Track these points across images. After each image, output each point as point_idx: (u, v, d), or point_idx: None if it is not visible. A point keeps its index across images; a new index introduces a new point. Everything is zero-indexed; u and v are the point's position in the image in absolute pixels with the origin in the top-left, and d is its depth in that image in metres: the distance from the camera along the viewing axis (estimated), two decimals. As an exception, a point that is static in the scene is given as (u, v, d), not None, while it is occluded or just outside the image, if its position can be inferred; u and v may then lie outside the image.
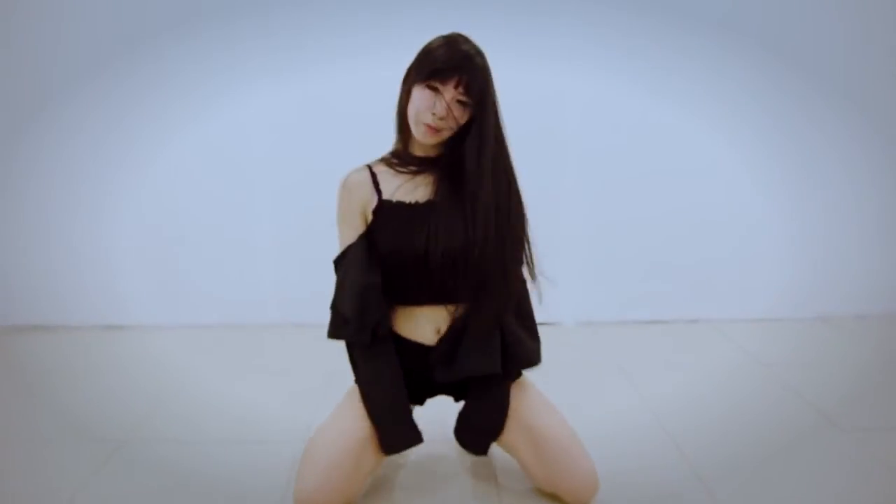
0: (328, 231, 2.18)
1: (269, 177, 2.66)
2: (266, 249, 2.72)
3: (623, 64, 2.59)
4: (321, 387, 2.12)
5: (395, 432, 1.42)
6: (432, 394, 1.57)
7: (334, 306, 1.47)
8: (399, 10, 2.47)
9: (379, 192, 1.42)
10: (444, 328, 1.44)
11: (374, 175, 1.44)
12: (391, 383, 1.42)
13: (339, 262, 1.48)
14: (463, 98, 1.31)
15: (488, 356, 1.40)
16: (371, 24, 2.51)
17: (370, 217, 1.43)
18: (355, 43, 2.52)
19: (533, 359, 1.49)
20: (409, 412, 1.46)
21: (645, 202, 2.72)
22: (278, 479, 1.59)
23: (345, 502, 1.38)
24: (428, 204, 1.40)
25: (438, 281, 1.36)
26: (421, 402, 1.59)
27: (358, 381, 1.47)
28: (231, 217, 2.69)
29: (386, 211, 1.40)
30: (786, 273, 2.80)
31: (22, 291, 2.71)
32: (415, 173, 1.43)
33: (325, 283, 2.62)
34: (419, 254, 1.35)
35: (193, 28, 2.51)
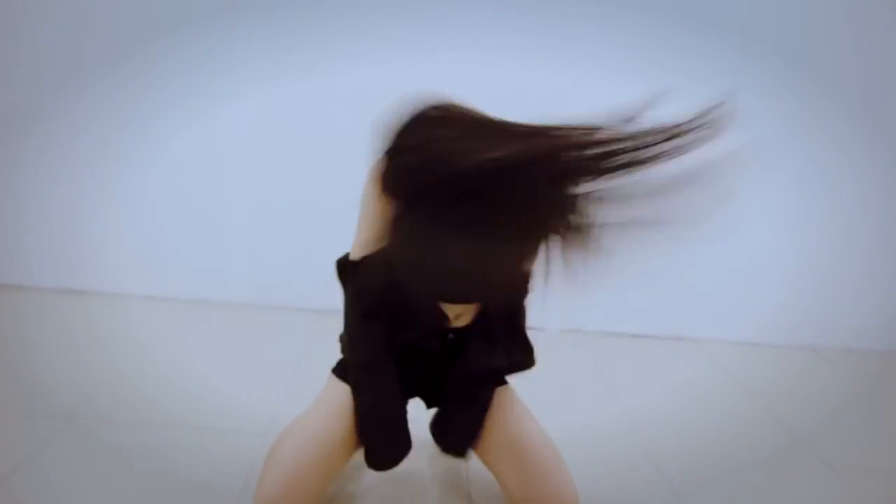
0: (305, 214, 2.07)
1: (249, 154, 2.54)
2: (241, 226, 2.60)
3: (622, 67, 2.50)
4: (289, 374, 2.01)
5: (389, 444, 1.29)
6: (418, 392, 1.45)
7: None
8: (402, 11, 2.37)
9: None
10: (463, 315, 1.32)
11: None
12: (394, 391, 1.30)
13: (347, 271, 1.30)
14: None
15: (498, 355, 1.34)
16: (377, 25, 2.40)
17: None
18: (359, 44, 2.41)
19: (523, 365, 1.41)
20: (405, 419, 1.33)
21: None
22: (237, 469, 1.49)
23: None
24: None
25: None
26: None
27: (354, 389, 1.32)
28: (208, 190, 2.56)
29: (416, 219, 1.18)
30: (778, 299, 2.75)
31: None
32: None
33: (299, 267, 2.56)
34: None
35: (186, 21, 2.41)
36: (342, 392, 1.32)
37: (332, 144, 2.42)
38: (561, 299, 2.67)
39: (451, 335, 1.34)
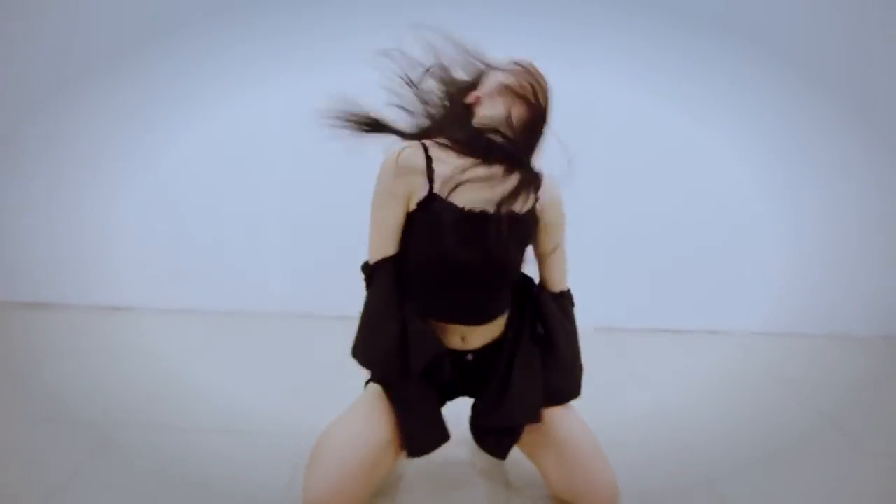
0: (337, 223, 2.11)
1: (279, 165, 2.59)
2: (275, 238, 2.66)
3: (638, 72, 2.52)
4: (325, 380, 2.05)
5: (425, 433, 1.32)
6: (452, 397, 1.49)
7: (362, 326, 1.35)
8: (407, 12, 2.38)
9: (431, 180, 1.25)
10: (468, 336, 1.36)
11: (429, 159, 1.26)
12: (421, 381, 1.33)
13: (368, 273, 1.36)
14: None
15: (531, 404, 1.35)
16: (385, 25, 2.44)
17: (413, 206, 1.27)
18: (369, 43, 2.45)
19: (571, 393, 1.43)
20: (440, 409, 1.38)
21: (664, 208, 2.65)
22: (279, 472, 1.52)
23: None
24: (484, 214, 1.24)
25: (471, 299, 1.30)
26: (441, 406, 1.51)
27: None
28: (240, 204, 2.63)
29: (433, 209, 1.23)
30: (809, 288, 2.72)
31: (23, 268, 2.66)
32: (481, 163, 1.25)
33: (333, 276, 2.59)
34: (459, 269, 1.25)
35: (204, 22, 2.47)
36: (383, 394, 1.35)
37: (363, 148, 2.46)
38: (593, 297, 2.68)
39: (469, 356, 1.38)
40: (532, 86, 1.27)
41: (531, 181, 1.28)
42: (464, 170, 1.23)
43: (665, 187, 2.63)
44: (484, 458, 1.64)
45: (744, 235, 2.69)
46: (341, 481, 1.21)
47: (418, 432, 1.31)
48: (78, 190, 2.59)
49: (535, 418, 1.35)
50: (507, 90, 1.27)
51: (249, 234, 2.65)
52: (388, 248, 1.31)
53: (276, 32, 2.47)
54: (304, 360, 2.25)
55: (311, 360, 2.24)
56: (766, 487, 1.56)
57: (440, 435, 1.34)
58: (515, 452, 1.46)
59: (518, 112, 1.28)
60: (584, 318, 2.65)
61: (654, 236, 2.67)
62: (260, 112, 2.54)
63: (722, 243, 2.69)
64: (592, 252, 2.64)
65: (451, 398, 1.49)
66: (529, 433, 1.40)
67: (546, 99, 1.31)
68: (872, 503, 1.53)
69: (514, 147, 1.27)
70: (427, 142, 1.30)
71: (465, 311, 1.32)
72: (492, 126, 1.27)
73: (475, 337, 1.37)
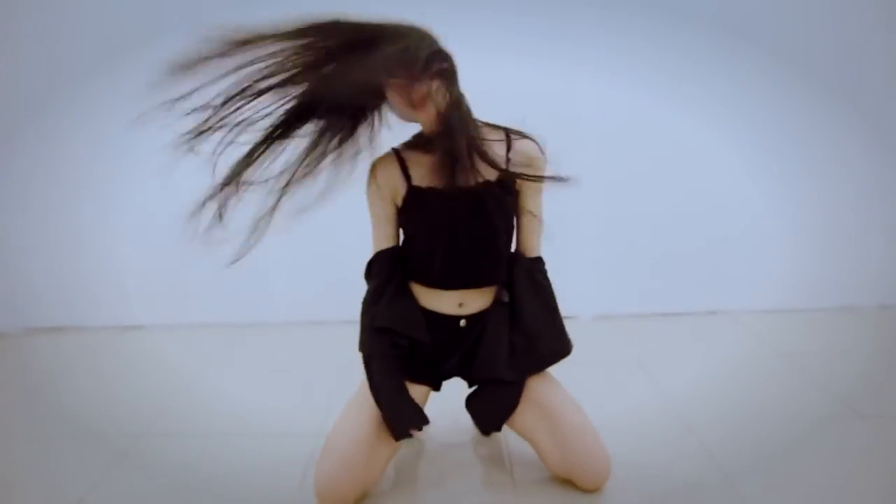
0: (340, 228, 2.16)
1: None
2: (276, 247, 2.70)
3: (632, 64, 2.54)
4: (334, 383, 2.10)
5: (402, 416, 1.43)
6: (449, 374, 1.56)
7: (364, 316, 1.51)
8: (406, 10, 2.44)
9: (408, 177, 1.43)
10: (466, 301, 1.48)
11: (402, 160, 1.44)
12: (394, 371, 1.45)
13: (370, 269, 1.54)
14: (415, 97, 1.28)
15: (496, 362, 1.47)
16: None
17: (400, 203, 1.45)
18: None
19: (558, 353, 1.52)
20: (409, 396, 1.47)
21: (658, 195, 2.68)
22: (293, 472, 1.59)
23: (362, 491, 1.41)
24: (452, 192, 1.37)
25: (465, 266, 1.43)
26: (437, 387, 1.58)
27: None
28: (238, 213, 2.67)
29: (416, 198, 1.42)
30: (807, 263, 2.75)
31: (32, 295, 2.72)
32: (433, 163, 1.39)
33: (336, 281, 2.64)
34: (450, 239, 1.39)
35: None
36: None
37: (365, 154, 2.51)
38: (590, 286, 2.72)
39: (462, 322, 1.49)
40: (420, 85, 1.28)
41: (456, 155, 1.30)
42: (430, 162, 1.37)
43: (655, 173, 2.66)
44: (485, 444, 1.70)
45: (738, 216, 2.71)
46: (342, 470, 1.35)
47: (397, 415, 1.41)
48: (75, 211, 2.65)
49: (499, 374, 1.45)
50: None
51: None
52: (384, 242, 1.50)
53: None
54: (311, 364, 2.31)
55: (317, 365, 2.29)
56: (777, 467, 1.58)
57: (417, 418, 1.44)
58: (515, 439, 1.52)
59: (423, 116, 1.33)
60: (583, 307, 2.73)
61: (647, 223, 2.70)
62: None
63: (716, 225, 2.72)
64: (587, 241, 2.69)
65: (447, 376, 1.56)
66: (522, 413, 1.48)
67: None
68: (889, 479, 1.54)
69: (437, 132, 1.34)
70: (397, 146, 1.47)
71: (457, 276, 1.45)
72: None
73: (471, 302, 1.49)
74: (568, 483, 1.49)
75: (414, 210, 1.43)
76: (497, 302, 1.50)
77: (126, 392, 2.10)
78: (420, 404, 1.49)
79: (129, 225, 2.67)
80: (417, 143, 1.45)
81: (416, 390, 1.51)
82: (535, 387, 1.49)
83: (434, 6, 2.38)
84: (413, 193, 1.42)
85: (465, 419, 1.66)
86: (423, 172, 1.41)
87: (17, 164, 2.61)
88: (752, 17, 2.52)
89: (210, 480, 1.58)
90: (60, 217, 2.66)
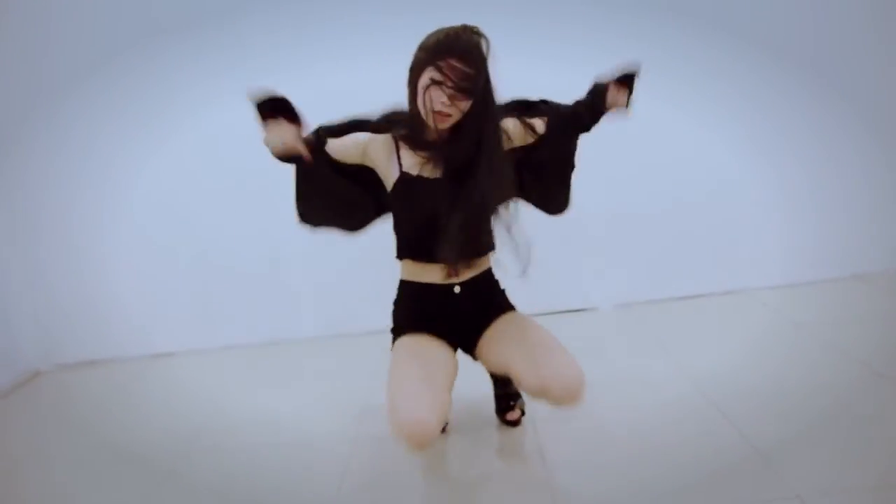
0: (357, 242, 2.17)
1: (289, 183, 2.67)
2: (295, 261, 2.75)
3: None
4: (365, 391, 2.14)
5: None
6: (453, 327, 1.62)
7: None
8: (405, 10, 2.45)
9: (400, 164, 1.55)
10: (459, 271, 1.60)
11: (398, 147, 1.57)
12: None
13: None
14: (465, 83, 1.39)
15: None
16: (378, 24, 2.51)
17: (389, 188, 1.56)
18: (371, 43, 2.51)
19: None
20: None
21: (663, 185, 2.71)
22: (331, 477, 1.64)
23: (444, 417, 1.39)
24: (440, 180, 1.52)
25: (454, 245, 1.50)
26: (446, 335, 1.63)
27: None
28: (255, 231, 2.72)
29: (406, 185, 1.54)
30: (817, 235, 2.77)
31: (61, 331, 2.77)
32: (427, 158, 1.53)
33: (358, 291, 2.66)
34: (434, 222, 1.48)
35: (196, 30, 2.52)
36: (410, 341, 1.58)
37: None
38: (608, 276, 2.75)
39: (456, 289, 1.60)
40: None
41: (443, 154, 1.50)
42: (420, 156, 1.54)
43: (658, 165, 2.70)
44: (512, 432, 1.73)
45: (743, 196, 2.74)
46: (419, 404, 1.34)
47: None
48: (94, 247, 2.71)
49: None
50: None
51: (271, 265, 2.75)
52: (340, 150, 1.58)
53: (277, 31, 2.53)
54: (340, 375, 2.35)
55: (346, 375, 2.34)
56: (808, 437, 1.60)
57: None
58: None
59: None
60: (601, 298, 2.75)
61: (655, 212, 2.73)
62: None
63: (722, 208, 2.75)
64: (599, 234, 2.72)
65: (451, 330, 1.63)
66: (498, 344, 1.57)
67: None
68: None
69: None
70: (395, 134, 1.58)
71: (447, 254, 1.52)
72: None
73: (464, 271, 1.61)
74: (603, 477, 1.51)
75: (403, 197, 1.55)
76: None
77: (163, 417, 2.15)
78: (449, 360, 1.56)
79: (149, 256, 2.73)
80: (415, 140, 1.54)
81: (440, 346, 1.58)
82: (507, 320, 1.61)
83: (434, 7, 2.39)
84: (403, 181, 1.54)
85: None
86: (414, 162, 1.53)
87: (29, 202, 2.67)
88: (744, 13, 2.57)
89: (254, 491, 1.64)
90: (80, 252, 2.71)
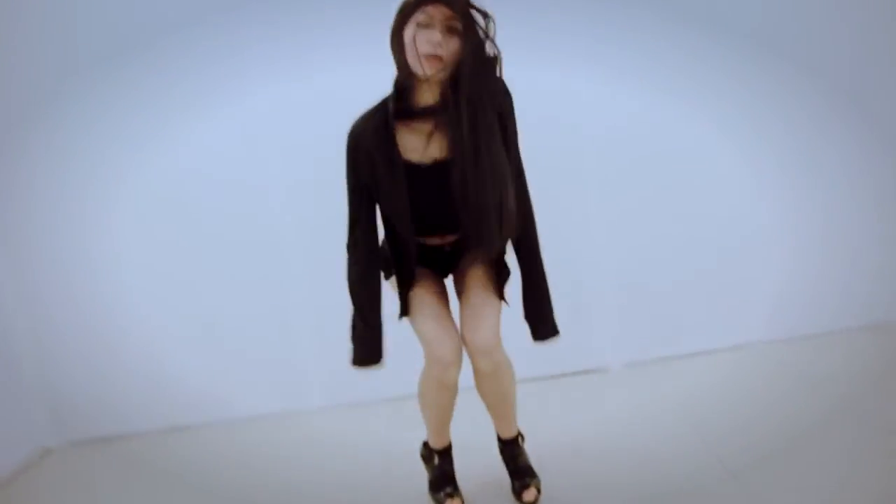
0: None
1: (296, 246, 2.69)
2: (304, 331, 2.75)
3: (645, 86, 2.61)
4: (382, 469, 2.13)
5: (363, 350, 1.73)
6: (444, 267, 1.83)
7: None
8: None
9: (396, 148, 1.58)
10: (447, 238, 1.73)
11: (391, 131, 1.57)
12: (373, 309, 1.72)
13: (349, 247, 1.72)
14: (453, 23, 1.44)
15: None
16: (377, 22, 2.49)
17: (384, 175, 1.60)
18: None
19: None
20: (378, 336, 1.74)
21: (671, 231, 2.73)
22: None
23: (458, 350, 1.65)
24: (440, 163, 1.57)
25: (445, 222, 1.67)
26: (442, 272, 1.83)
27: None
28: (264, 301, 2.73)
29: (409, 172, 1.59)
30: (827, 285, 2.76)
31: (73, 406, 2.74)
32: (430, 133, 1.56)
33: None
34: (434, 205, 1.60)
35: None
36: (420, 299, 1.72)
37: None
38: (614, 335, 2.75)
39: (447, 248, 1.75)
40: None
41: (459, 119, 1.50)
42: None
43: (663, 213, 2.72)
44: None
45: (750, 247, 2.75)
46: (448, 336, 1.65)
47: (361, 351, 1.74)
48: (105, 319, 2.70)
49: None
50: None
51: (281, 333, 2.75)
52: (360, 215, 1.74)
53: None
54: (360, 442, 2.33)
55: (366, 448, 2.30)
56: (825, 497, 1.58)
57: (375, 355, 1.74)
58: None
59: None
60: (611, 357, 2.75)
61: (659, 267, 2.74)
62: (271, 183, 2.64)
63: (729, 258, 2.75)
64: (603, 291, 2.73)
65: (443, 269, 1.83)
66: (460, 289, 1.77)
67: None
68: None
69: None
70: (385, 113, 1.62)
71: (437, 229, 1.71)
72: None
73: (451, 238, 1.74)
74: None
75: (409, 186, 1.60)
76: None
77: (184, 495, 2.14)
78: (442, 292, 1.78)
79: (165, 330, 2.73)
80: (411, 109, 1.57)
81: (435, 287, 1.76)
82: (475, 281, 1.73)
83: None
84: (407, 169, 1.59)
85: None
86: (414, 146, 1.58)
87: (37, 275, 2.66)
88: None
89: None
90: (90, 325, 2.70)
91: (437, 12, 1.42)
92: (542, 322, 1.73)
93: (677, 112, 2.65)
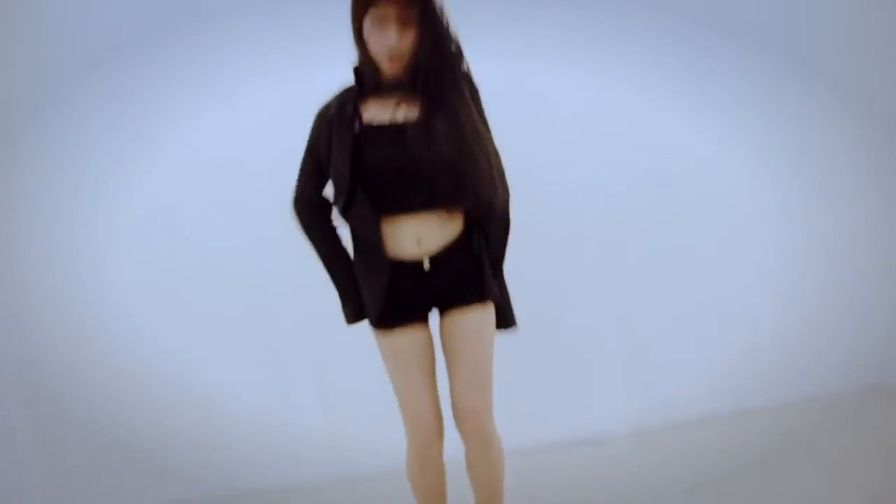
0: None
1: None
2: (307, 400, 2.65)
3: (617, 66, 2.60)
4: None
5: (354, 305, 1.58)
6: (424, 306, 1.59)
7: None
8: None
9: (360, 118, 1.51)
10: (424, 238, 1.50)
11: (358, 109, 1.52)
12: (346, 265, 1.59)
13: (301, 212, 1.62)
14: (406, 15, 1.42)
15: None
16: None
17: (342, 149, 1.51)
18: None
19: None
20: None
21: (674, 290, 2.70)
22: None
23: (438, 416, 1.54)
24: (404, 124, 1.47)
25: (417, 188, 1.47)
26: (423, 318, 1.59)
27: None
28: (264, 374, 2.64)
29: (369, 133, 1.49)
30: (830, 348, 2.71)
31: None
32: (398, 102, 1.48)
33: (376, 426, 2.35)
34: (399, 167, 1.46)
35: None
36: (391, 346, 1.56)
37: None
38: (620, 403, 2.65)
39: (426, 266, 1.51)
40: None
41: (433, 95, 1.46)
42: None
43: (663, 276, 2.70)
44: None
45: (755, 313, 2.72)
46: (428, 406, 1.53)
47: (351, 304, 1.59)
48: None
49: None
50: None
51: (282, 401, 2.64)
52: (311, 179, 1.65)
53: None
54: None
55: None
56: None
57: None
58: None
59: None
60: (617, 425, 2.65)
61: (662, 333, 2.70)
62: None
63: (734, 326, 2.71)
64: (607, 353, 2.66)
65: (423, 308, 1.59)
66: (448, 339, 1.55)
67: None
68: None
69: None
70: (352, 96, 1.57)
71: (413, 198, 1.49)
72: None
73: (429, 235, 1.50)
74: None
75: (373, 147, 1.49)
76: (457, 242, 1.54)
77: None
78: (424, 345, 1.56)
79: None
80: (377, 84, 1.51)
81: (413, 334, 1.55)
82: (467, 327, 1.54)
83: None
84: (368, 131, 1.49)
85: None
86: (377, 112, 1.50)
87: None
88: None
89: None
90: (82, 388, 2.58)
91: (390, 7, 1.41)
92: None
93: (673, 180, 2.66)
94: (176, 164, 2.56)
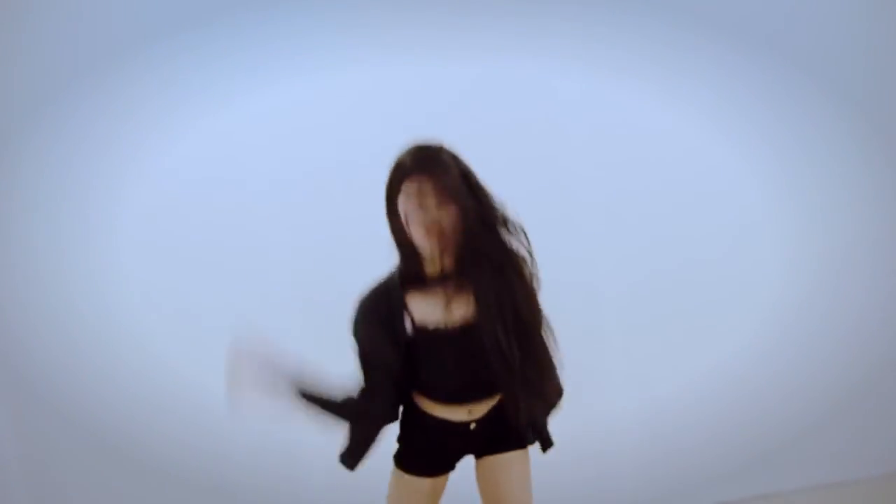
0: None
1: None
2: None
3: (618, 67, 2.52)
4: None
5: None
6: (459, 457, 1.59)
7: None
8: (406, 10, 2.25)
9: (411, 316, 1.43)
10: (475, 410, 1.50)
11: (405, 301, 1.43)
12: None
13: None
14: (443, 197, 1.31)
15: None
16: (378, 25, 2.32)
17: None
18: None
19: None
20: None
21: (677, 291, 2.63)
22: None
23: None
24: (461, 329, 1.41)
25: (477, 389, 1.47)
26: (452, 468, 1.60)
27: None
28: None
29: (423, 338, 1.43)
30: (860, 431, 2.59)
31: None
32: (449, 296, 1.40)
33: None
34: (461, 371, 1.44)
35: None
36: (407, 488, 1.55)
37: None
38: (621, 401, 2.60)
39: (472, 426, 1.51)
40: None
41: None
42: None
43: (666, 278, 2.64)
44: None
45: (773, 391, 2.60)
46: None
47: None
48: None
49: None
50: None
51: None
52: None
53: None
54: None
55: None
56: None
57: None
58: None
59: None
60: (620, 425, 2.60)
61: (680, 414, 2.59)
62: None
63: (755, 408, 2.60)
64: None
65: (458, 458, 1.60)
66: (485, 475, 1.55)
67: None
68: None
69: None
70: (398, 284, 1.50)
71: (466, 395, 1.49)
72: None
73: (480, 408, 1.51)
74: None
75: (428, 354, 1.46)
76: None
77: None
78: (441, 488, 1.57)
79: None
80: (420, 277, 1.43)
81: (437, 480, 1.55)
82: (507, 465, 1.53)
83: (431, 8, 2.20)
84: (423, 337, 1.43)
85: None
86: (428, 310, 1.42)
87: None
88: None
89: None
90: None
91: (424, 196, 1.31)
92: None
93: (676, 187, 2.60)
94: (176, 164, 2.50)
